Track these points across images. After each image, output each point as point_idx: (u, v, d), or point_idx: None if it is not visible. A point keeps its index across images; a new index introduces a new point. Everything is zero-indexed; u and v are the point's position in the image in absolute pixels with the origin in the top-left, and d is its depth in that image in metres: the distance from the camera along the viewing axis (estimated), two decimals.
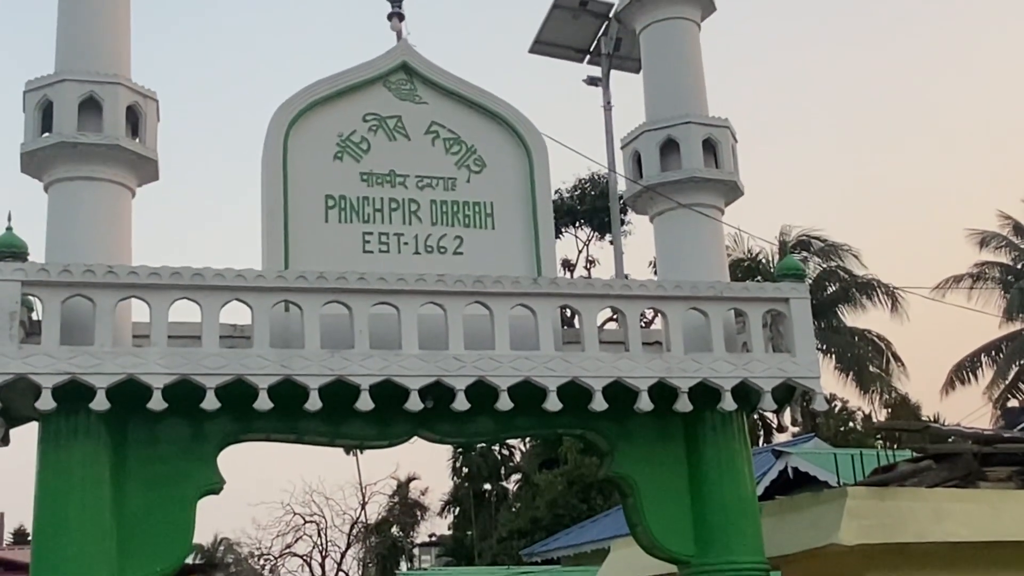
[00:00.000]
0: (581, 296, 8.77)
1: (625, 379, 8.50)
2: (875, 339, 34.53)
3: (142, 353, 7.80)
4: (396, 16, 9.91)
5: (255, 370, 7.89)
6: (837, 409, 34.66)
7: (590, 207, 39.90)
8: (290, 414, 8.12)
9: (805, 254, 34.73)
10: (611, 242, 37.41)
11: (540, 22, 14.21)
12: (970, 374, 32.20)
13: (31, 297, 7.87)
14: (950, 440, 11.29)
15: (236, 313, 8.22)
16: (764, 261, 33.93)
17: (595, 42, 14.25)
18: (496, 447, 42.16)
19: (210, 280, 8.03)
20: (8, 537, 47.86)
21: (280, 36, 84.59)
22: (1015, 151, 70.43)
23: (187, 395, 7.80)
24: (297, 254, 8.81)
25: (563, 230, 40.32)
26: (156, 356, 7.78)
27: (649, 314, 9.46)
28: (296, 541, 49.84)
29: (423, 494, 51.01)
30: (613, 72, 14.23)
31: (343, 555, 50.01)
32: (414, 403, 8.09)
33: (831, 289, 35.15)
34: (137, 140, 8.76)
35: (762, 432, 31.28)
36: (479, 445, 37.62)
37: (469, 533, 42.80)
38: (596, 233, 41.44)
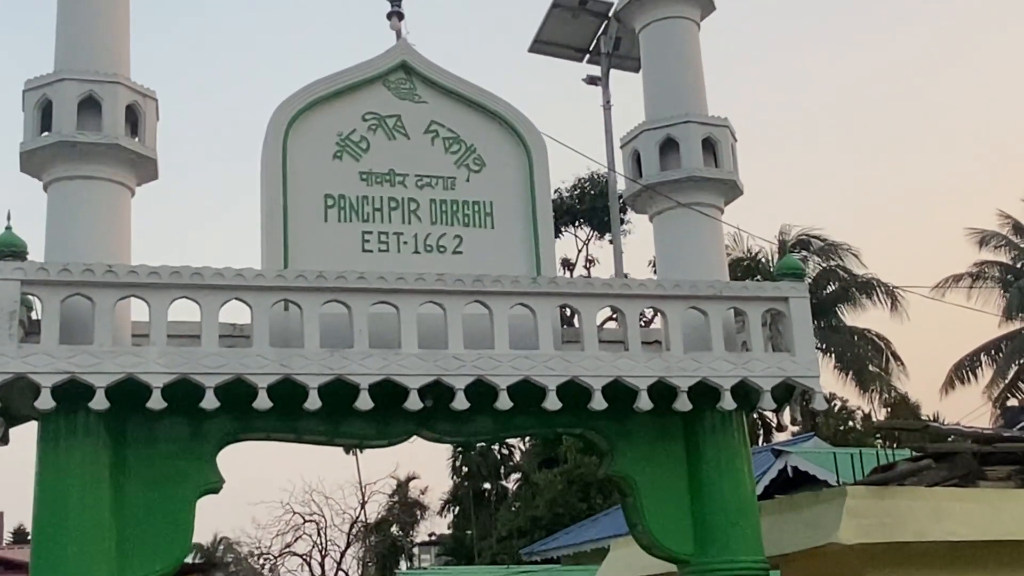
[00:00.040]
0: (580, 295, 8.77)
1: (624, 378, 8.50)
2: (875, 338, 34.57)
3: (141, 352, 7.80)
4: (395, 15, 9.90)
5: (254, 369, 7.89)
6: (837, 408, 34.71)
7: (590, 206, 39.94)
8: (289, 413, 8.11)
9: (805, 253, 34.80)
10: (611, 241, 37.47)
11: (539, 21, 14.20)
12: (970, 373, 32.23)
13: (30, 296, 7.86)
14: (949, 439, 11.30)
15: (235, 312, 8.23)
16: (764, 260, 33.98)
17: (594, 41, 14.25)
18: (496, 446, 42.19)
19: (209, 279, 8.03)
20: (8, 536, 47.91)
21: (279, 35, 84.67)
22: (1014, 150, 70.47)
23: (186, 394, 7.80)
24: (296, 253, 8.81)
25: (563, 229, 40.38)
26: (155, 355, 7.78)
27: (649, 313, 9.46)
28: (296, 540, 49.89)
29: (423, 493, 51.10)
30: (613, 71, 14.23)
31: (343, 554, 50.07)
32: (413, 402, 8.09)
33: (831, 288, 35.21)
34: (136, 139, 8.75)
35: (762, 431, 31.32)
36: (479, 444, 37.63)
37: (469, 532, 42.83)
38: (595, 232, 41.50)
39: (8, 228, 7.97)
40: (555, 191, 37.85)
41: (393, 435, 8.86)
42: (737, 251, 34.13)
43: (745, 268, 33.02)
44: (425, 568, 43.90)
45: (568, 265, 41.39)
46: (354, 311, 8.21)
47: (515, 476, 42.95)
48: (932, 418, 31.19)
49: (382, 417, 8.43)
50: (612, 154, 13.10)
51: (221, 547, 58.36)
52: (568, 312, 9.08)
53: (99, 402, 7.60)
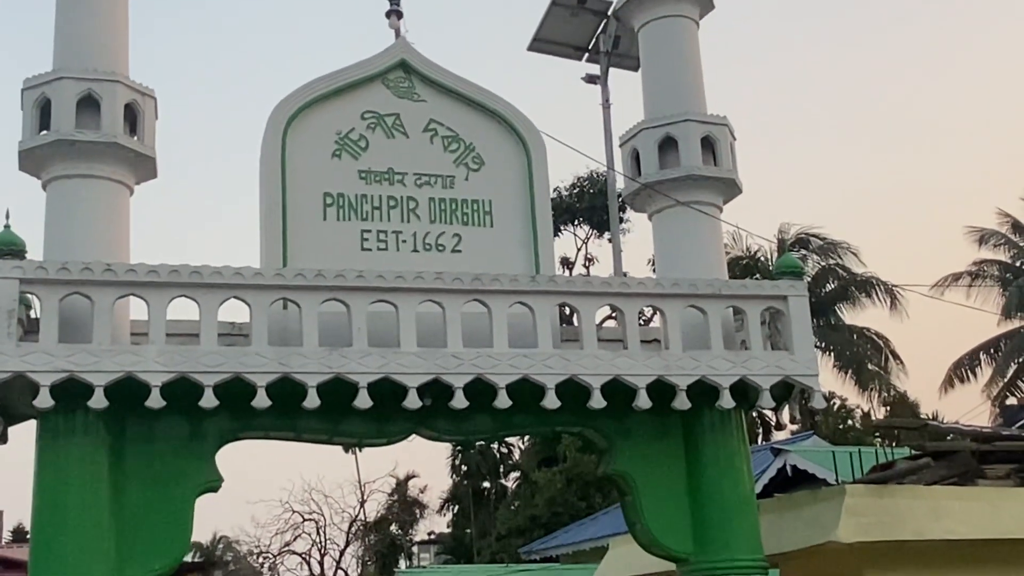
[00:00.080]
0: (579, 294, 8.77)
1: (623, 377, 8.50)
2: (874, 337, 34.60)
3: (140, 351, 7.80)
4: (394, 14, 9.89)
5: (253, 368, 7.89)
6: (836, 407, 34.72)
7: (589, 205, 39.94)
8: (288, 412, 8.11)
9: (804, 252, 34.85)
10: (610, 240, 37.47)
11: (539, 20, 14.22)
12: (969, 372, 32.26)
13: (29, 295, 7.86)
14: (949, 438, 11.29)
15: (234, 311, 8.23)
16: (763, 259, 34.00)
17: (594, 40, 14.27)
18: (495, 445, 42.21)
19: (208, 278, 8.03)
20: (7, 535, 47.90)
21: (278, 34, 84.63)
22: (1014, 149, 70.46)
23: (185, 393, 7.80)
24: (295, 252, 8.81)
25: (562, 228, 40.39)
26: (154, 354, 7.77)
27: (648, 312, 9.46)
28: (295, 539, 49.92)
29: (422, 492, 51.11)
30: (612, 70, 14.25)
31: (342, 553, 50.10)
32: (412, 401, 8.09)
33: (830, 287, 35.25)
34: (135, 138, 8.75)
35: (761, 430, 31.33)
36: (478, 443, 37.60)
37: (468, 531, 42.86)
38: (595, 231, 41.51)
39: (7, 227, 7.96)
40: (554, 190, 37.87)
41: (392, 434, 8.86)
42: (736, 250, 34.15)
43: (744, 267, 33.04)
44: (424, 567, 43.87)
45: (567, 264, 41.41)
46: (353, 310, 8.20)
47: (514, 475, 42.96)
48: (931, 417, 31.20)
49: (381, 416, 8.43)
50: (611, 152, 13.12)
51: (220, 546, 58.40)
52: (567, 311, 9.08)
53: (98, 401, 7.59)
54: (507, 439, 40.57)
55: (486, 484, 44.17)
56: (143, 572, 7.99)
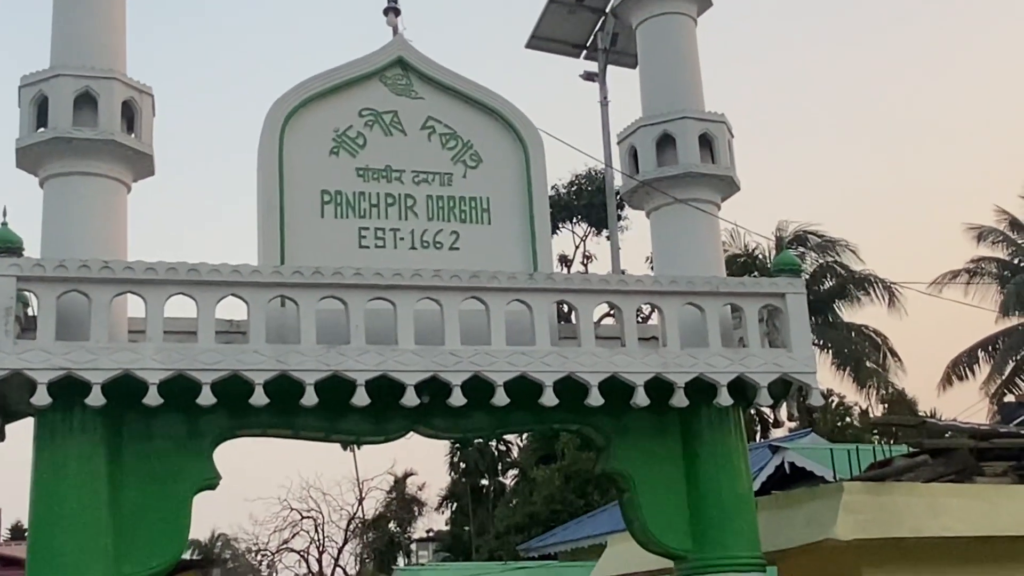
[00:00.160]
0: (577, 291, 8.77)
1: (621, 374, 8.50)
2: (872, 334, 34.60)
3: (138, 348, 7.79)
4: (392, 11, 9.88)
5: (251, 365, 7.89)
6: (834, 404, 34.69)
7: (587, 202, 39.91)
8: (286, 409, 8.11)
9: (802, 249, 34.82)
10: (608, 237, 37.44)
11: (537, 17, 14.20)
12: (967, 369, 32.26)
13: (26, 292, 7.86)
14: (947, 435, 11.28)
15: (232, 309, 8.23)
16: (761, 256, 33.98)
17: (591, 37, 14.24)
18: (493, 442, 42.19)
19: (206, 275, 8.02)
20: (5, 533, 47.93)
21: (276, 32, 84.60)
22: (1013, 147, 70.49)
23: (183, 390, 7.79)
24: (293, 249, 8.80)
25: (560, 225, 40.35)
26: (152, 351, 7.77)
27: (646, 309, 9.45)
28: (293, 537, 49.90)
29: (420, 489, 51.11)
30: (610, 67, 14.22)
31: (340, 551, 50.09)
32: (410, 398, 8.09)
33: (828, 284, 35.22)
34: (133, 135, 8.74)
35: (759, 427, 31.33)
36: (476, 440, 37.62)
37: (466, 528, 42.87)
38: (593, 229, 41.49)
39: (4, 224, 7.97)
40: (552, 187, 37.82)
41: (390, 431, 8.86)
42: (734, 247, 34.11)
43: (742, 264, 33.01)
44: (423, 564, 43.89)
45: (565, 261, 41.39)
46: (351, 307, 8.20)
47: (512, 472, 42.96)
48: (929, 414, 31.19)
49: (379, 413, 8.43)
50: (609, 150, 13.10)
51: (219, 544, 58.39)
52: (565, 308, 9.08)
53: (95, 398, 7.59)
54: (505, 436, 40.59)
55: (484, 481, 44.18)
56: (141, 569, 8.00)
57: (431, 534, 50.40)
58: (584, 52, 14.46)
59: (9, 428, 8.50)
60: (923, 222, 74.19)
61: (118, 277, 7.86)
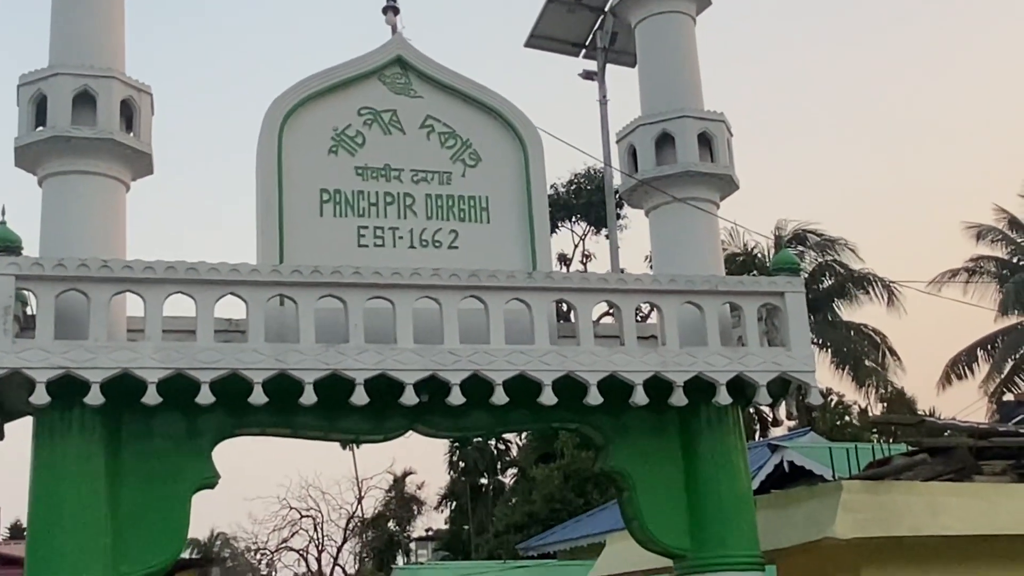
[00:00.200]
0: (576, 290, 8.76)
1: (620, 373, 8.50)
2: (871, 333, 34.62)
3: (137, 347, 7.79)
4: (391, 10, 9.87)
5: (250, 364, 7.88)
6: (833, 403, 34.72)
7: (586, 201, 39.92)
8: (285, 408, 8.11)
9: (801, 248, 34.85)
10: (607, 236, 37.44)
11: (536, 16, 14.19)
12: (966, 368, 32.26)
13: (25, 291, 7.85)
14: (946, 434, 11.28)
15: (231, 307, 8.22)
16: (760, 255, 34.00)
17: (591, 36, 14.23)
18: (492, 441, 42.19)
19: (205, 274, 8.02)
20: (4, 532, 47.92)
21: (275, 30, 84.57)
22: (1012, 146, 70.53)
23: (182, 389, 7.79)
24: (292, 248, 8.80)
25: (559, 224, 40.36)
26: (151, 350, 7.77)
27: (645, 308, 9.45)
28: (292, 535, 49.88)
29: (419, 488, 51.11)
30: (609, 66, 14.21)
31: (339, 549, 50.07)
32: (409, 397, 8.09)
33: (827, 283, 35.25)
34: (131, 134, 8.73)
35: (758, 426, 31.38)
36: (475, 439, 37.63)
37: (466, 527, 42.87)
38: (592, 227, 41.50)
39: (3, 223, 7.96)
40: (551, 186, 37.78)
41: (389, 430, 8.86)
42: (733, 246, 34.14)
43: (741, 263, 33.04)
44: (422, 563, 43.88)
45: (564, 260, 41.41)
46: (350, 306, 8.20)
47: (512, 471, 42.96)
48: (928, 413, 31.24)
49: (378, 412, 8.42)
50: (608, 149, 13.07)
51: (218, 542, 58.38)
52: (564, 307, 9.07)
53: (94, 397, 7.59)
54: (504, 435, 40.63)
55: (483, 480, 44.18)
56: (140, 568, 7.99)
57: (430, 533, 50.35)
58: (583, 51, 14.45)
59: (8, 427, 8.50)
60: (922, 221, 74.26)
61: (117, 276, 7.86)
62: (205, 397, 7.78)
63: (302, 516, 49.30)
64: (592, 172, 38.83)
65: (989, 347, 32.10)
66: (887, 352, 34.29)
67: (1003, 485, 10.03)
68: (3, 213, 8.02)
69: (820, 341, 32.94)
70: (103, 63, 8.68)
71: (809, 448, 17.56)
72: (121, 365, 7.67)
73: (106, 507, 7.91)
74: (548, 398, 8.31)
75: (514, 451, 43.05)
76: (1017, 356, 31.51)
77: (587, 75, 14.44)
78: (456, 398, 8.17)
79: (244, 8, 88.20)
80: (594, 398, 8.40)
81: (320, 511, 49.36)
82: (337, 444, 10.37)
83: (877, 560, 9.12)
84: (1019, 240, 33.28)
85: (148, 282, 7.92)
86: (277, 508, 49.56)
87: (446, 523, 47.37)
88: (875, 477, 9.89)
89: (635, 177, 9.89)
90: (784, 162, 78.14)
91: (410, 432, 8.98)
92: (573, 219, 41.52)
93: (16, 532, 48.20)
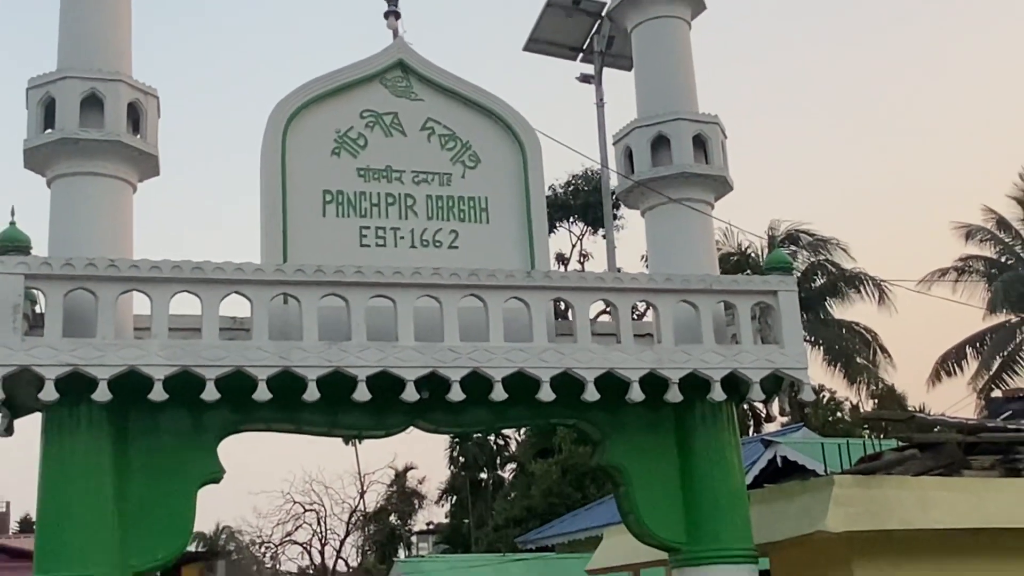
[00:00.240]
0: (574, 289, 8.76)
1: (617, 370, 8.50)
2: (862, 331, 34.61)
3: (143, 345, 7.79)
4: (392, 15, 9.88)
5: (254, 362, 7.88)
6: (825, 399, 34.66)
7: (583, 202, 39.89)
8: (289, 405, 8.11)
9: (794, 248, 34.83)
10: (604, 236, 37.42)
11: (534, 20, 14.20)
12: (955, 365, 32.27)
13: (34, 290, 7.85)
14: (935, 430, 11.27)
15: (235, 306, 8.22)
16: (753, 255, 33.98)
17: (588, 40, 14.25)
18: (492, 437, 42.19)
19: (210, 273, 8.01)
20: (14, 526, 47.88)
21: (278, 34, 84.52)
22: (1001, 148, 70.54)
23: (187, 386, 7.79)
24: (295, 248, 8.80)
25: (557, 225, 40.31)
26: (157, 348, 7.77)
27: (641, 307, 9.45)
28: (296, 529, 49.91)
29: (420, 483, 51.11)
30: (605, 70, 14.23)
31: (342, 543, 50.13)
32: (410, 394, 8.09)
33: (819, 282, 35.23)
34: (138, 136, 8.73)
35: (752, 422, 31.36)
36: (475, 435, 37.63)
37: (466, 521, 42.85)
38: (589, 228, 41.45)
39: (12, 223, 7.96)
40: (549, 187, 37.81)
41: (390, 426, 8.86)
42: (727, 246, 34.10)
43: (735, 263, 33.04)
44: (423, 556, 43.90)
45: (562, 260, 41.37)
46: (352, 305, 8.20)
47: (511, 466, 42.96)
48: (918, 409, 31.19)
49: (380, 408, 8.42)
50: (605, 151, 13.10)
51: (223, 536, 58.40)
52: (562, 305, 9.07)
53: (102, 394, 7.59)
54: (503, 431, 40.59)
55: (483, 475, 44.16)
56: (146, 561, 8.00)
57: (431, 527, 50.36)
58: (581, 55, 14.46)
59: (17, 423, 8.49)
60: (912, 221, 74.26)
61: (124, 275, 7.86)
62: (210, 394, 7.78)
63: (306, 510, 49.35)
64: (589, 173, 38.81)
65: (978, 345, 32.12)
66: (878, 350, 34.30)
67: (991, 479, 10.03)
68: (13, 214, 8.02)
69: (812, 339, 32.95)
70: (110, 67, 8.68)
71: (802, 444, 17.52)
72: (128, 362, 7.67)
73: (113, 501, 7.91)
74: (546, 395, 8.31)
75: (513, 447, 43.05)
76: (1005, 353, 31.52)
77: (584, 78, 14.46)
78: (456, 395, 8.17)
79: (245, 9, 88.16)
80: (591, 395, 8.40)
81: (323, 505, 49.43)
82: (340, 440, 10.40)
83: (868, 553, 9.12)
84: (1007, 240, 33.28)
85: (154, 281, 7.92)
86: (281, 502, 49.65)
87: (446, 517, 47.38)
88: (866, 472, 9.89)
89: (631, 178, 9.89)
90: (777, 163, 78.19)
91: (411, 428, 8.97)
92: (571, 219, 41.49)
93: (26, 526, 48.17)
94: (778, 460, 16.73)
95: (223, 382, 7.82)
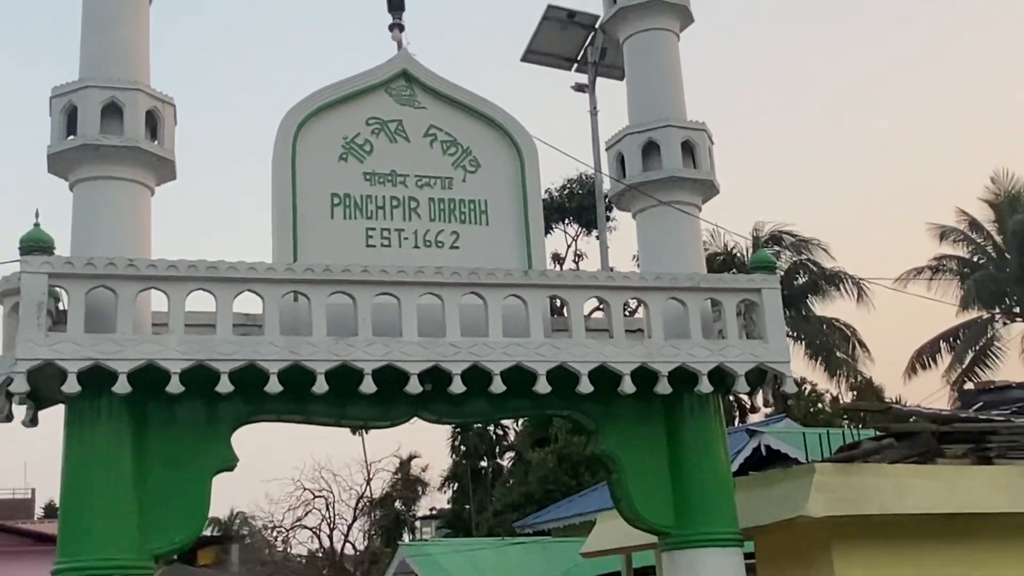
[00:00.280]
0: (569, 287, 8.77)
1: (609, 364, 8.50)
2: (842, 327, 34.62)
3: (161, 340, 7.79)
4: (397, 27, 9.87)
5: (266, 356, 7.88)
6: (806, 392, 34.67)
7: (578, 205, 39.90)
8: (299, 397, 8.11)
9: (777, 248, 34.84)
10: (597, 237, 37.44)
11: (531, 33, 14.21)
12: (930, 359, 32.34)
13: (57, 288, 7.85)
14: (911, 420, 11.28)
15: (248, 303, 8.22)
16: (739, 255, 33.98)
17: (582, 51, 14.27)
18: (491, 427, 42.17)
19: (224, 272, 8.01)
20: (40, 511, 47.89)
21: (289, 46, 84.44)
22: (974, 151, 70.59)
23: (203, 379, 7.79)
24: (305, 248, 8.79)
25: (553, 226, 40.30)
26: (174, 343, 7.77)
27: (632, 304, 9.46)
28: (306, 515, 49.74)
29: (424, 471, 50.98)
30: (599, 79, 14.25)
31: (349, 527, 49.85)
32: (414, 386, 8.09)
33: (801, 280, 35.24)
34: (156, 142, 8.72)
35: (737, 412, 31.34)
36: (475, 425, 37.60)
37: (467, 507, 42.86)
38: (583, 229, 41.45)
39: (36, 225, 7.95)
40: (545, 191, 37.79)
41: (395, 417, 8.85)
42: (714, 246, 34.10)
43: (721, 262, 33.04)
44: (426, 540, 43.87)
45: (558, 259, 41.35)
46: (359, 302, 8.20)
47: (509, 455, 42.95)
48: (895, 400, 31.22)
49: (385, 400, 8.42)
50: (598, 156, 13.11)
51: (237, 521, 58.32)
52: (558, 302, 9.07)
53: (121, 387, 7.59)
54: (502, 421, 40.59)
55: (483, 463, 44.15)
56: (164, 545, 8.00)
57: (434, 512, 50.32)
58: (575, 65, 14.48)
59: (42, 414, 8.48)
60: (889, 222, 74.24)
61: (142, 274, 7.86)
62: (224, 386, 7.78)
63: (315, 496, 49.09)
64: (584, 177, 38.81)
65: (951, 340, 32.17)
66: (857, 344, 34.30)
67: (964, 467, 10.04)
68: (37, 216, 8.02)
69: (795, 334, 32.96)
70: (130, 76, 8.67)
71: (784, 433, 17.54)
72: (146, 357, 7.67)
73: (133, 489, 7.91)
74: (543, 387, 8.31)
75: (511, 436, 43.04)
76: (977, 348, 31.59)
77: (579, 87, 14.48)
78: (457, 387, 8.17)
79: (258, 24, 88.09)
80: (585, 387, 8.41)
81: (332, 492, 49.25)
82: (347, 430, 10.41)
83: (847, 536, 9.13)
84: (979, 240, 33.32)
85: (171, 279, 7.92)
86: (292, 489, 49.35)
87: (448, 503, 47.38)
88: (845, 460, 9.89)
89: (623, 182, 9.90)
90: (761, 166, 78.12)
91: (415, 418, 8.97)
92: (566, 221, 41.47)
93: (50, 512, 48.15)
94: (762, 449, 16.75)
95: (236, 375, 7.82)
